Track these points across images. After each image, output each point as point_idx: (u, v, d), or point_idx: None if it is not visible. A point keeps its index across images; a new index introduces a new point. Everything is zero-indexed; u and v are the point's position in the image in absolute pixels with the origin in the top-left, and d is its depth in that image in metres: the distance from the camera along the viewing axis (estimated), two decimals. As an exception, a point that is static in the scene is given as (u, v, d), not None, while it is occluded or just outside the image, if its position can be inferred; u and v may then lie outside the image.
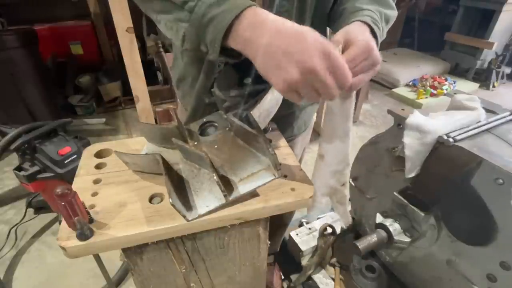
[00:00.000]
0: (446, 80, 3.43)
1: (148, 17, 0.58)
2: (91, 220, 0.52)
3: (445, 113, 0.86)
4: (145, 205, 0.56)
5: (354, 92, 0.57)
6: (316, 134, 2.70)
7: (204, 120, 0.66)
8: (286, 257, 1.43)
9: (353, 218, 1.17)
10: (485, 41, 3.46)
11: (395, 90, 3.50)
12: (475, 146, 0.74)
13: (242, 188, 0.56)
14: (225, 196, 0.54)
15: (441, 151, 0.78)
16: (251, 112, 0.60)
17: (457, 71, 3.88)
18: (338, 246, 1.25)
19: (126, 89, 2.93)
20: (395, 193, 0.91)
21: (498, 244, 0.72)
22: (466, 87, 3.50)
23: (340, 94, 0.55)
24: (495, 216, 0.71)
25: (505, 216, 0.69)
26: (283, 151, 0.71)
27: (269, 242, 0.70)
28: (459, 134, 0.77)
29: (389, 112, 0.92)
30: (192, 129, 0.66)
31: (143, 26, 2.90)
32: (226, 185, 0.56)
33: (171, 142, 0.60)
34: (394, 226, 0.92)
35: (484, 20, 3.56)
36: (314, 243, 1.33)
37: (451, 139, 0.75)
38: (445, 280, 0.90)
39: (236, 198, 0.55)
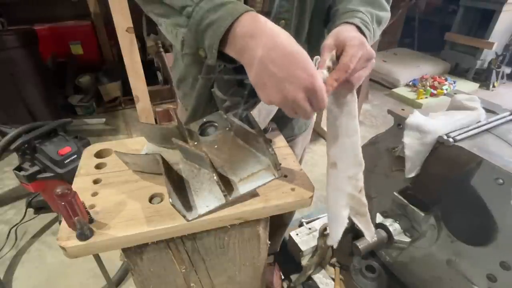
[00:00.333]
0: (446, 80, 3.43)
1: (148, 17, 0.58)
2: (91, 220, 0.52)
3: (445, 113, 0.86)
4: (145, 205, 0.56)
5: (355, 90, 0.57)
6: (316, 134, 2.70)
7: (204, 120, 0.66)
8: (286, 257, 1.43)
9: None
10: (485, 41, 3.46)
11: (395, 90, 3.50)
12: (475, 146, 0.74)
13: (242, 188, 0.56)
14: (225, 196, 0.54)
15: (441, 151, 0.78)
16: (251, 112, 0.60)
17: (457, 71, 3.88)
18: (338, 246, 1.25)
19: (126, 89, 2.93)
20: (395, 193, 0.91)
21: (498, 244, 0.72)
22: (466, 87, 3.49)
23: (343, 96, 0.57)
24: (495, 216, 0.71)
25: (505, 216, 0.69)
26: (283, 151, 0.71)
27: (269, 242, 0.70)
28: (459, 134, 0.77)
29: (389, 112, 0.92)
30: (192, 129, 0.66)
31: (143, 26, 2.90)
32: (226, 185, 0.56)
33: (171, 142, 0.60)
34: (394, 226, 0.92)
35: (484, 20, 3.55)
36: (314, 243, 1.33)
37: (451, 139, 0.75)
38: (445, 280, 0.90)
39: (236, 198, 0.55)
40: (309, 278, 1.23)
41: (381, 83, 3.74)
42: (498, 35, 3.45)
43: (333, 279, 1.19)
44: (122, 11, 1.47)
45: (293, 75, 0.45)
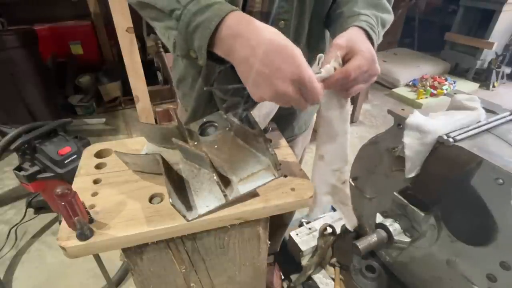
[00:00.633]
0: (446, 80, 3.43)
1: (148, 17, 0.58)
2: (91, 220, 0.52)
3: (445, 113, 0.87)
4: (145, 205, 0.56)
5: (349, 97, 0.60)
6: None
7: (204, 120, 0.66)
8: (286, 257, 1.43)
9: (353, 218, 1.17)
10: (485, 41, 3.45)
11: (395, 90, 3.50)
12: (475, 146, 0.74)
13: (242, 188, 0.56)
14: (225, 196, 0.54)
15: (441, 151, 0.78)
16: (251, 112, 0.60)
17: (457, 71, 3.88)
18: (338, 246, 1.25)
19: (126, 89, 2.93)
20: (395, 193, 0.91)
21: (498, 244, 0.72)
22: (466, 87, 3.49)
23: (338, 102, 0.60)
24: (495, 216, 0.71)
25: (505, 216, 0.69)
26: (283, 151, 0.71)
27: (269, 242, 0.70)
28: (459, 134, 0.77)
29: (389, 112, 0.92)
30: (192, 129, 0.66)
31: (143, 26, 2.90)
32: (226, 185, 0.56)
33: (171, 142, 0.60)
34: (394, 226, 0.92)
35: (484, 20, 3.55)
36: (314, 243, 1.33)
37: (451, 139, 0.75)
38: (445, 280, 0.90)
39: (236, 198, 0.55)
40: (309, 278, 1.23)
41: (381, 83, 3.74)
42: (498, 35, 3.45)
43: (333, 279, 1.19)
44: (122, 11, 1.47)
45: (279, 69, 0.45)
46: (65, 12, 3.30)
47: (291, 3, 0.64)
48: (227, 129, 0.63)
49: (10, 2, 3.03)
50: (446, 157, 0.77)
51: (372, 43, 0.58)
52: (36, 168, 1.46)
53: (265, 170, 0.57)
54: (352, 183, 1.14)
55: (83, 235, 0.49)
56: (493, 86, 3.56)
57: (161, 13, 0.51)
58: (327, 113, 0.62)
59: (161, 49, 2.72)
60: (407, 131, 0.81)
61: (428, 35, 4.50)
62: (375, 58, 0.54)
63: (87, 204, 0.54)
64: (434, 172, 0.80)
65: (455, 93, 0.92)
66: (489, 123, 0.83)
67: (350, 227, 0.75)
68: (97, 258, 0.64)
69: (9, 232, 1.76)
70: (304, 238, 1.38)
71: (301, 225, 1.50)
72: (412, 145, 0.81)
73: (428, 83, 3.33)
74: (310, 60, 0.51)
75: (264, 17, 0.64)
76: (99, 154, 0.70)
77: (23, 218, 1.80)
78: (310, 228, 1.43)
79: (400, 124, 0.88)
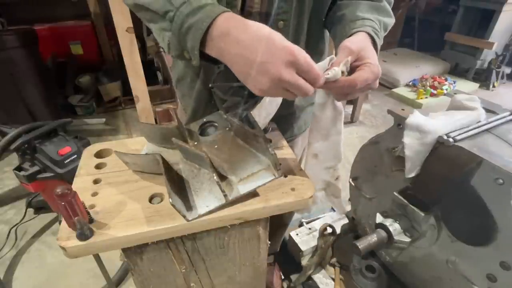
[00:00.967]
0: (446, 80, 3.43)
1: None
2: (91, 220, 0.52)
3: (445, 113, 0.86)
4: (145, 205, 0.56)
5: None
6: (316, 134, 2.70)
7: (204, 120, 0.66)
8: (286, 257, 1.43)
9: (352, 218, 1.17)
10: (485, 41, 3.45)
11: (395, 90, 3.50)
12: (475, 146, 0.74)
13: (242, 188, 0.56)
14: (225, 196, 0.54)
15: (441, 151, 0.78)
16: (251, 112, 0.60)
17: (457, 71, 3.88)
18: (338, 246, 1.25)
19: (126, 89, 2.93)
20: (395, 193, 0.91)
21: (498, 244, 0.72)
22: (466, 87, 3.49)
23: (332, 103, 0.62)
24: (495, 216, 0.71)
25: (505, 216, 0.69)
26: (283, 151, 0.71)
27: (269, 242, 0.70)
28: (459, 134, 0.77)
29: (389, 112, 0.92)
30: (192, 129, 0.66)
31: (143, 26, 2.90)
32: (226, 185, 0.56)
33: (171, 142, 0.60)
34: (394, 226, 0.92)
35: (484, 20, 3.55)
36: (314, 243, 1.33)
37: (451, 139, 0.75)
38: (445, 280, 0.90)
39: (236, 198, 0.55)
40: (309, 278, 1.23)
41: (381, 83, 3.74)
42: (498, 35, 3.45)
43: (333, 279, 1.19)
44: (122, 11, 1.48)
45: (270, 54, 0.45)
46: (65, 12, 3.30)
47: (290, 3, 0.64)
48: (227, 129, 0.63)
49: (10, 2, 3.03)
50: (446, 157, 0.77)
51: (376, 48, 0.60)
52: (36, 168, 1.46)
53: (265, 170, 0.57)
54: (352, 183, 1.14)
55: (83, 235, 0.49)
56: (493, 86, 3.56)
57: (156, 15, 0.52)
58: (321, 113, 0.63)
59: (161, 49, 2.72)
60: (407, 131, 0.81)
61: (428, 35, 4.50)
62: (380, 74, 0.56)
63: (87, 204, 0.54)
64: (434, 172, 0.80)
65: (455, 93, 0.92)
66: (489, 123, 0.83)
67: (340, 213, 0.82)
68: (97, 258, 0.64)
69: (9, 232, 1.77)
70: (304, 238, 1.38)
71: (301, 225, 1.49)
72: (412, 145, 0.81)
73: (428, 83, 3.33)
74: None
75: (263, 18, 0.64)
76: (99, 154, 0.70)
77: (23, 218, 1.80)
78: (310, 228, 1.43)
79: (400, 124, 0.88)
